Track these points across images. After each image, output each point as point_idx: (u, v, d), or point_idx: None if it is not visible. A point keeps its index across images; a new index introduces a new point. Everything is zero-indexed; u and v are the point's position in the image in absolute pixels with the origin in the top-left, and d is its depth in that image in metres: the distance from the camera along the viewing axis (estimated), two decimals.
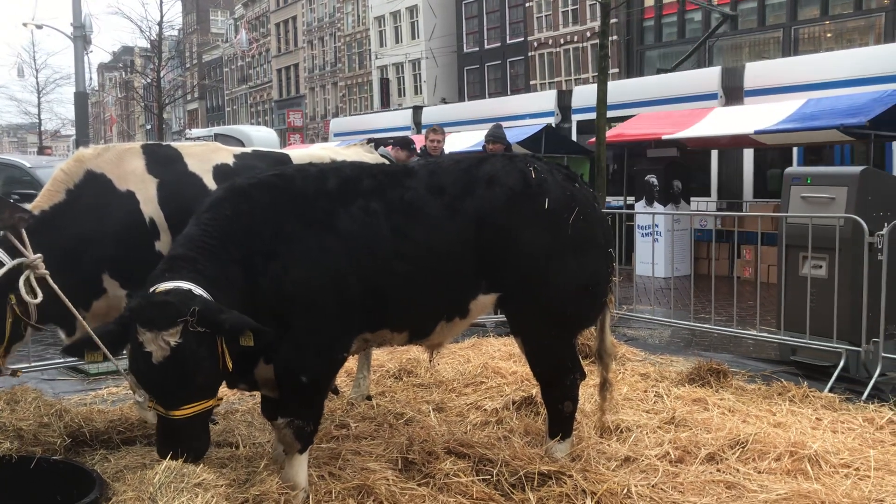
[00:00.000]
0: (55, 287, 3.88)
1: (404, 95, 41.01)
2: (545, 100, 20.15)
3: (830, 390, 5.98)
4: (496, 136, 9.49)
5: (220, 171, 4.75)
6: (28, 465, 3.79)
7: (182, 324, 3.17)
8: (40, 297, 3.85)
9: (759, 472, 4.28)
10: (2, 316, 3.94)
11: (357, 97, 46.30)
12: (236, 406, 5.53)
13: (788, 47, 22.86)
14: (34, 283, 3.86)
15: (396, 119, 25.76)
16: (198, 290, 3.35)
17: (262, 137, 22.84)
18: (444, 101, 38.06)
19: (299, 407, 3.81)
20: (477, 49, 36.70)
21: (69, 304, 3.89)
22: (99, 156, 4.53)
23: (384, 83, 41.85)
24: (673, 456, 4.48)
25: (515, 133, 17.46)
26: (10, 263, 3.85)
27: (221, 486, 3.75)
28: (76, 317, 3.92)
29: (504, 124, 11.25)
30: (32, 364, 6.66)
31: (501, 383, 6.03)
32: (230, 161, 4.89)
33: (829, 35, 22.42)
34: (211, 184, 4.60)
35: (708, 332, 8.14)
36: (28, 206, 4.28)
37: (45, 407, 4.26)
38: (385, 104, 41.47)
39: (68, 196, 4.38)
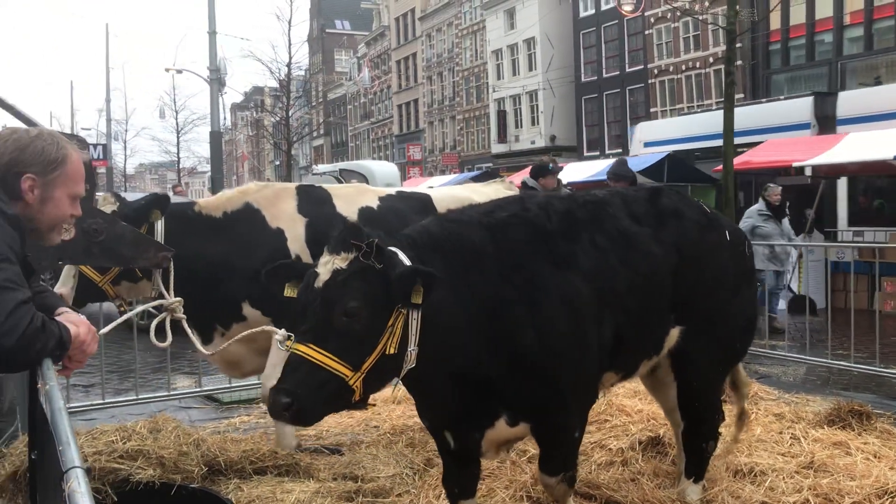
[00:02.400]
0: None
1: (521, 127, 41.15)
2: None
3: None
4: (621, 174, 9.20)
5: (364, 213, 5.06)
6: (169, 492, 3.98)
7: (355, 251, 2.83)
8: (169, 341, 4.16)
9: None
10: None
11: (475, 130, 46.83)
12: (361, 438, 5.62)
13: None
14: (167, 327, 4.15)
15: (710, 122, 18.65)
16: (403, 257, 2.98)
17: (383, 172, 23.41)
18: (553, 139, 37.92)
19: (570, 460, 3.60)
20: (595, 78, 36.46)
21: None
22: (259, 191, 5.05)
23: (501, 115, 42.16)
24: (813, 503, 4.22)
25: (639, 161, 17.15)
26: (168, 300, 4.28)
27: None
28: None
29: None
30: (171, 393, 7.02)
31: (626, 422, 5.86)
32: (374, 204, 5.22)
33: None
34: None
35: (847, 371, 7.68)
36: (197, 200, 5.04)
37: (183, 436, 4.46)
38: (502, 136, 41.73)
39: (224, 218, 4.88)
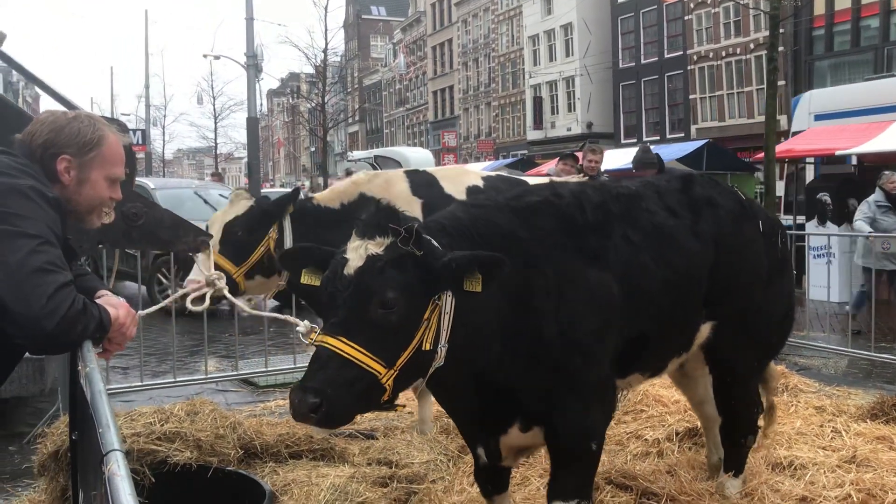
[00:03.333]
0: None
1: (557, 113, 40.86)
2: None
3: None
4: (646, 161, 8.91)
5: (472, 192, 5.15)
6: (206, 474, 4.02)
7: (392, 236, 2.61)
8: (205, 305, 4.42)
9: None
10: (255, 240, 4.73)
11: (510, 116, 46.60)
12: (396, 424, 5.63)
13: None
14: (206, 301, 4.25)
15: None
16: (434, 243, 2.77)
17: (418, 158, 23.43)
18: (590, 127, 37.58)
19: (586, 483, 3.25)
20: (633, 64, 36.04)
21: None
22: (370, 181, 5.17)
23: (537, 102, 41.89)
24: (856, 499, 4.13)
25: (677, 149, 16.92)
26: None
27: None
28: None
29: None
30: (209, 376, 7.10)
31: (663, 412, 5.78)
32: (480, 183, 5.34)
33: None
34: None
35: (890, 364, 7.52)
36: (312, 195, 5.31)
37: (220, 419, 4.49)
38: (538, 123, 41.47)
39: (342, 209, 5.01)
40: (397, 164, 19.91)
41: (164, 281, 11.41)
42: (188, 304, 4.40)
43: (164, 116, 54.65)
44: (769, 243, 3.97)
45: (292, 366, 7.19)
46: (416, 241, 2.61)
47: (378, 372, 2.55)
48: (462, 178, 5.37)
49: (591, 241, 3.20)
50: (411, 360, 2.63)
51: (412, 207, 4.91)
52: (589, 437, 3.18)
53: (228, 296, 4.43)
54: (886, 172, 10.67)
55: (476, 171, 5.80)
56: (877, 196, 10.25)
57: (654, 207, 3.52)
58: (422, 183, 5.19)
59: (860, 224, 9.93)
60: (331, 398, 2.49)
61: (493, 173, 5.78)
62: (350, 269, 2.59)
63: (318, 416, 2.49)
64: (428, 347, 2.65)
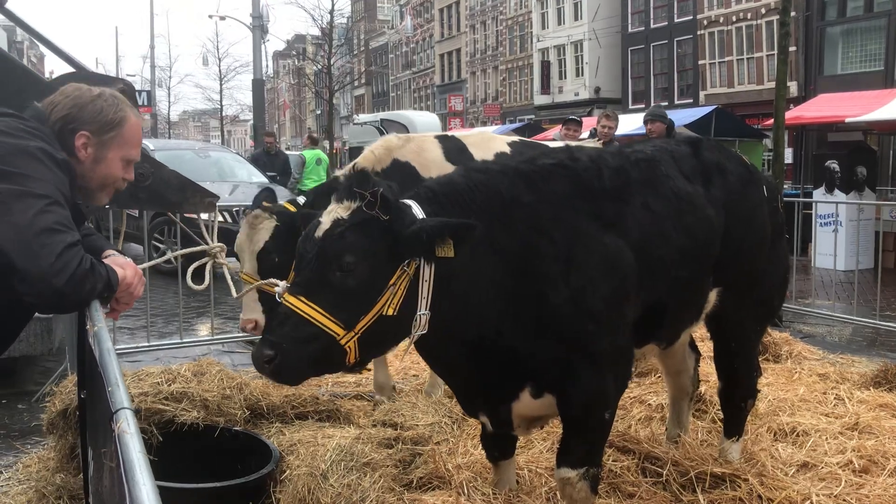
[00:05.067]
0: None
1: (565, 78, 40.48)
2: None
3: None
4: (657, 114, 9.12)
5: (500, 158, 5.09)
6: (213, 434, 4.06)
7: (358, 200, 2.63)
8: (206, 284, 4.33)
9: None
10: (288, 259, 4.48)
11: (517, 81, 46.20)
12: (401, 386, 5.67)
13: None
14: (207, 271, 4.20)
15: None
16: (418, 211, 2.77)
17: (425, 122, 23.33)
18: (598, 92, 37.25)
19: (597, 451, 3.22)
20: (643, 29, 35.59)
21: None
22: (403, 146, 5.07)
23: (545, 66, 41.47)
24: (857, 465, 4.16)
25: (685, 115, 16.82)
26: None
27: (388, 465, 3.88)
28: None
29: None
30: (215, 337, 7.14)
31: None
32: (507, 149, 5.34)
33: None
34: None
35: (895, 332, 7.53)
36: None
37: (227, 380, 4.52)
38: (545, 88, 41.11)
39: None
40: (403, 127, 19.83)
41: (160, 246, 11.40)
42: (189, 282, 4.37)
43: (170, 78, 54.42)
44: (771, 208, 3.99)
45: None
46: (383, 207, 2.61)
47: (336, 333, 2.57)
48: (490, 143, 5.39)
49: (608, 206, 3.13)
50: (375, 324, 2.63)
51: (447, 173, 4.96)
52: (602, 406, 3.13)
53: (228, 273, 4.36)
54: None
55: (502, 138, 5.80)
56: None
57: (672, 173, 3.46)
58: (454, 149, 5.18)
59: None
60: (285, 352, 2.56)
61: (517, 138, 5.82)
62: (319, 231, 2.64)
63: (271, 368, 2.57)
64: (391, 313, 2.63)
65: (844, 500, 3.77)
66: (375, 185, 2.64)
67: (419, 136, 5.40)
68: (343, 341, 2.59)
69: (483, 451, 3.76)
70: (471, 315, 2.85)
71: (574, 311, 2.95)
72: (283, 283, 2.78)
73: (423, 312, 2.70)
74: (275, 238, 4.46)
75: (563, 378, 3.03)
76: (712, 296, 3.73)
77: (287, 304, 2.59)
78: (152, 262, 4.78)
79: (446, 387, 5.41)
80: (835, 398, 5.38)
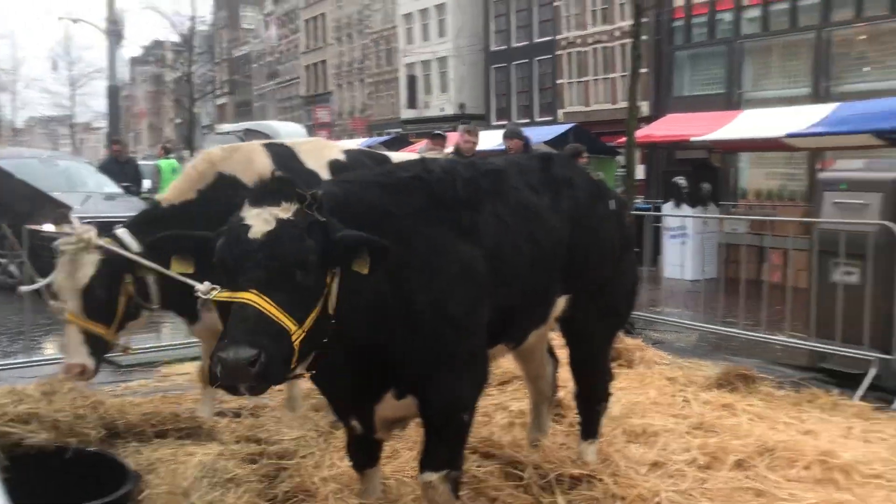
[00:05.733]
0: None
1: (431, 93, 41.00)
2: None
3: (861, 399, 5.92)
4: (514, 132, 9.49)
5: (335, 167, 4.97)
6: (63, 456, 3.86)
7: (298, 203, 2.67)
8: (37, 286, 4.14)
9: (789, 481, 4.24)
10: (115, 295, 4.23)
11: (384, 94, 46.37)
12: (266, 401, 5.57)
13: (821, 50, 22.55)
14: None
15: None
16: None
17: (290, 133, 22.94)
18: (462, 108, 37.98)
19: (457, 454, 3.31)
20: (505, 47, 36.60)
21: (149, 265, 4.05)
22: (228, 158, 4.70)
23: (411, 81, 41.87)
24: (701, 462, 4.45)
25: (545, 132, 17.42)
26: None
27: (253, 480, 3.83)
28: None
29: None
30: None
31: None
32: (342, 157, 5.13)
33: (862, 37, 22.08)
34: (328, 178, 4.73)
35: (736, 337, 8.07)
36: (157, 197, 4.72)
37: (80, 399, 4.30)
38: (412, 103, 41.49)
39: (199, 196, 4.55)
40: (268, 138, 19.44)
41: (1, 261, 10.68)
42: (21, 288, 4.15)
43: (15, 82, 51.12)
44: (619, 220, 4.23)
45: (154, 345, 6.98)
46: (320, 209, 2.69)
47: (290, 329, 2.56)
48: (323, 151, 5.16)
49: (462, 216, 3.29)
50: (316, 323, 2.67)
51: None
52: (460, 407, 3.27)
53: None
54: None
55: (336, 145, 5.62)
56: None
57: (519, 184, 3.67)
58: (284, 156, 4.92)
59: None
60: (269, 349, 2.47)
61: (354, 147, 5.75)
62: (257, 233, 2.59)
63: (256, 369, 2.43)
64: (331, 312, 2.73)
65: (690, 495, 4.03)
66: (310, 189, 2.71)
67: (245, 146, 5.05)
68: (294, 338, 2.58)
69: (349, 463, 3.77)
70: (359, 320, 2.93)
71: (434, 316, 3.08)
72: (206, 285, 2.72)
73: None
74: (98, 275, 4.19)
75: (425, 380, 3.15)
76: (562, 302, 3.93)
77: (253, 303, 2.50)
78: (34, 286, 4.46)
79: (313, 400, 5.39)
80: (682, 400, 5.73)
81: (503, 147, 10.07)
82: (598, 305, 4.08)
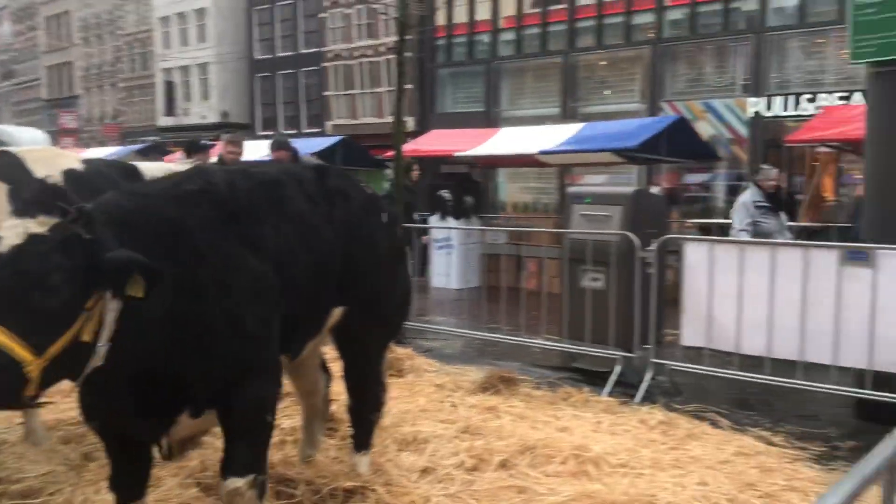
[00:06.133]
0: None
1: (191, 100, 39.36)
2: None
3: (609, 395, 6.45)
4: (281, 143, 9.23)
5: (71, 176, 4.50)
6: None
7: (59, 216, 2.46)
8: None
9: (548, 476, 4.50)
10: None
11: (139, 100, 43.80)
12: (5, 436, 5.02)
13: (568, 73, 24.46)
14: None
15: None
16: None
17: (29, 139, 20.94)
18: (225, 115, 36.95)
19: (262, 457, 3.26)
20: (269, 57, 36.01)
21: None
22: None
23: (169, 86, 39.92)
24: (469, 464, 4.61)
25: (313, 144, 17.33)
26: None
27: None
28: None
29: None
30: None
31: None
32: (79, 167, 4.70)
33: (603, 63, 24.26)
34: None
35: (499, 342, 8.45)
36: None
37: None
38: (169, 109, 39.57)
39: None
40: (3, 144, 17.66)
41: None
42: None
43: None
44: (392, 232, 4.31)
45: None
46: (87, 225, 2.47)
47: (24, 360, 2.30)
48: (57, 160, 4.74)
49: (249, 229, 3.23)
50: (67, 351, 2.42)
51: None
52: (264, 409, 3.24)
53: None
54: (764, 167, 9.39)
55: (73, 154, 5.26)
56: (753, 195, 8.62)
57: (295, 195, 3.65)
58: (10, 165, 4.46)
59: (743, 235, 8.25)
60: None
61: (93, 157, 5.41)
62: (3, 247, 2.37)
63: None
64: (88, 339, 2.48)
65: (459, 497, 4.16)
66: (77, 202, 2.48)
67: None
68: (29, 369, 2.31)
69: (111, 497, 3.48)
70: (149, 344, 2.75)
71: (231, 331, 3.00)
72: None
73: (102, 345, 2.54)
74: None
75: (227, 391, 3.05)
76: (337, 312, 3.92)
77: None
78: None
79: (61, 432, 4.93)
80: (450, 405, 5.92)
81: (270, 158, 9.83)
82: (371, 317, 4.11)
